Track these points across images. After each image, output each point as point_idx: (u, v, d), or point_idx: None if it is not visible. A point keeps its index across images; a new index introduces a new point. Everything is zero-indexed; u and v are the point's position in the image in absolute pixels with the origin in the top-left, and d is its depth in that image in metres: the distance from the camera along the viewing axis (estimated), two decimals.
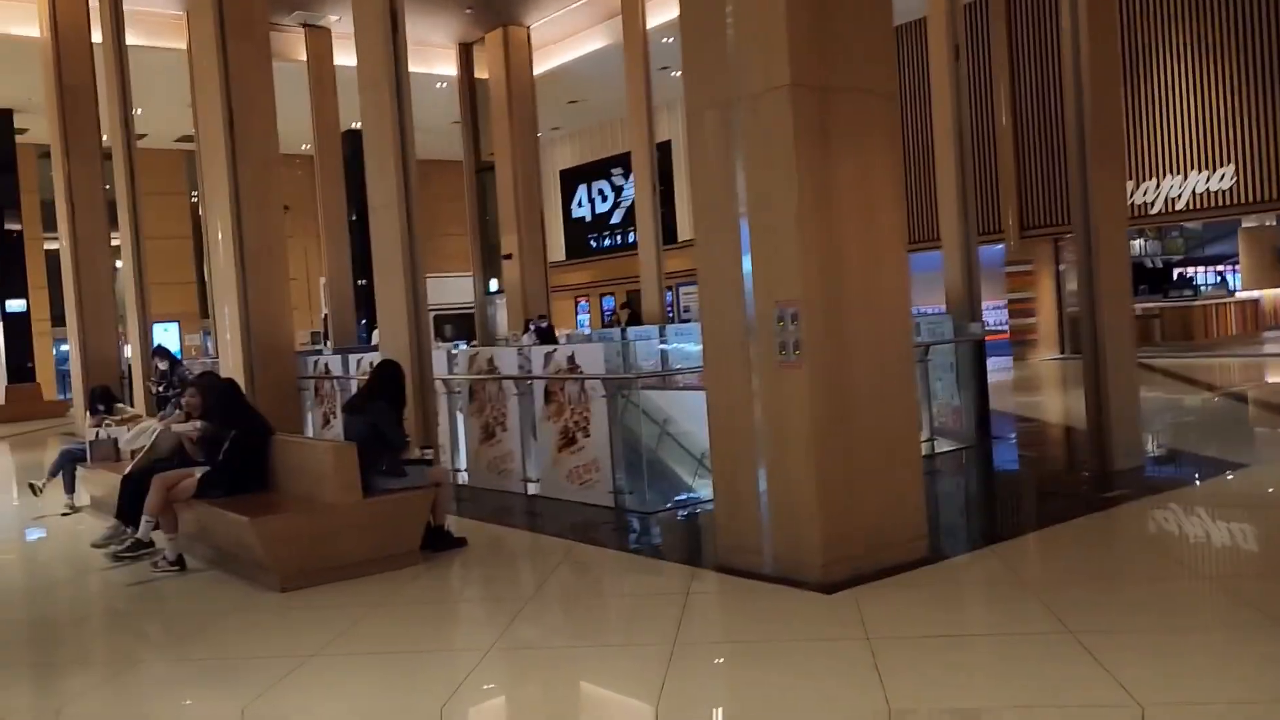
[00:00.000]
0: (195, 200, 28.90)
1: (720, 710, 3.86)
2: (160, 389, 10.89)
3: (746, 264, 5.27)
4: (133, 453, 8.69)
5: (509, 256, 20.08)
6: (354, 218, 20.03)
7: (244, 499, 6.38)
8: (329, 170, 19.50)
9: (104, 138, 17.02)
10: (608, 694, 4.17)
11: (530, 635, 4.83)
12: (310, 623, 5.24)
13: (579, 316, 27.56)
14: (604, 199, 27.37)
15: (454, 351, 9.53)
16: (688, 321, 18.48)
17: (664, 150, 22.56)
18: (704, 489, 7.95)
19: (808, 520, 5.07)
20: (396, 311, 8.42)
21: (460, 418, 9.09)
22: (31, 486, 9.34)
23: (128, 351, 18.03)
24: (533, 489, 8.28)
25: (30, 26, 17.89)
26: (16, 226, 24.52)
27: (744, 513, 5.40)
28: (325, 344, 19.97)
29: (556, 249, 27.54)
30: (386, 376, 6.62)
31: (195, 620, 5.58)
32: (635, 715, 3.88)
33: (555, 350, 7.96)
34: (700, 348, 5.77)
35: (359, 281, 20.34)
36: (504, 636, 4.73)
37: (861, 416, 5.21)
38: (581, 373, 7.64)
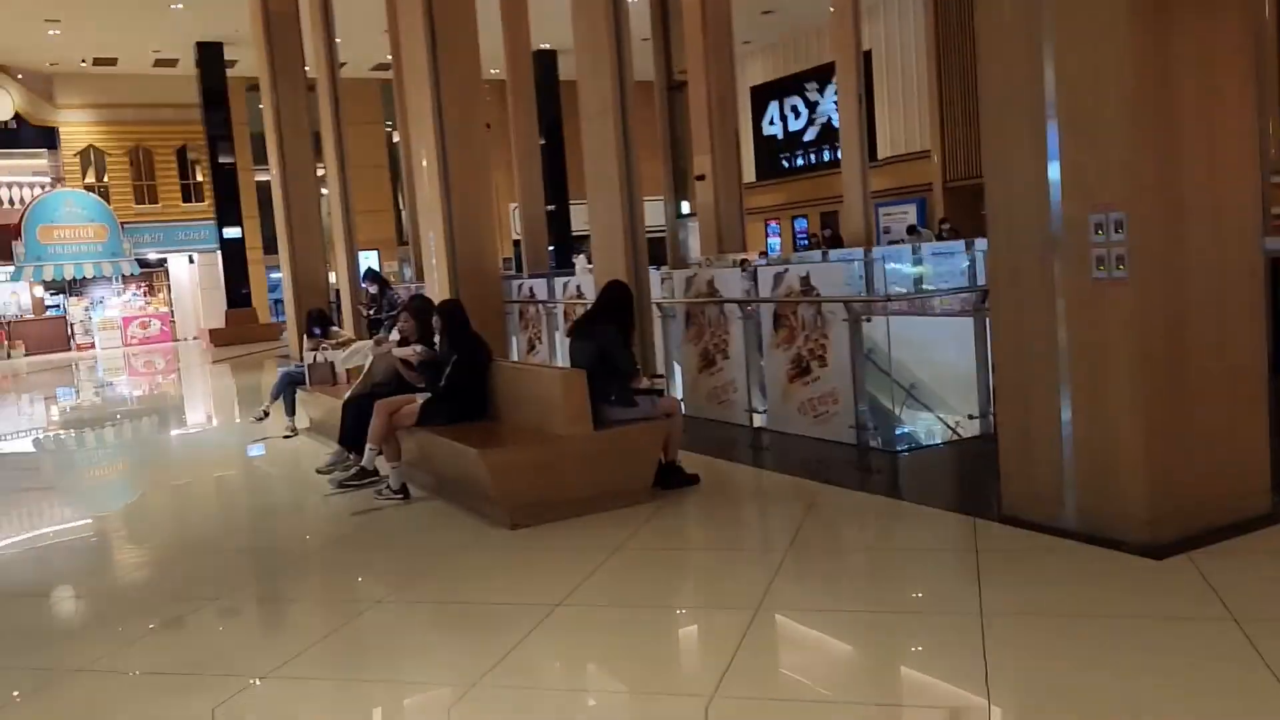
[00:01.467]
0: (390, 129, 29.49)
1: (1086, 710, 3.06)
2: (371, 312, 10.87)
3: (1053, 165, 4.38)
4: (348, 372, 8.64)
5: (702, 177, 19.33)
6: (544, 142, 19.74)
7: (467, 427, 6.06)
8: (520, 93, 19.18)
9: (308, 68, 17.28)
10: (918, 675, 3.52)
11: (799, 594, 4.23)
12: (547, 567, 4.83)
13: (769, 240, 26.59)
14: (797, 116, 26.10)
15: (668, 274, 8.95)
16: (897, 244, 17.32)
17: (864, 61, 21.12)
18: (912, 423, 7.20)
19: (1129, 468, 4.22)
20: (612, 230, 7.89)
21: (676, 344, 8.55)
22: (261, 413, 9.46)
23: (333, 277, 18.53)
24: (758, 420, 7.68)
25: None
26: (230, 159, 25.61)
27: (1040, 456, 4.59)
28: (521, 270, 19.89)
29: (746, 170, 26.58)
30: (615, 298, 6.09)
31: (425, 556, 5.29)
32: (972, 710, 3.21)
33: (787, 270, 7.24)
34: (915, 270, 4.91)
35: (548, 207, 20.15)
36: (770, 594, 4.15)
37: (1197, 345, 4.28)
38: (817, 295, 6.91)
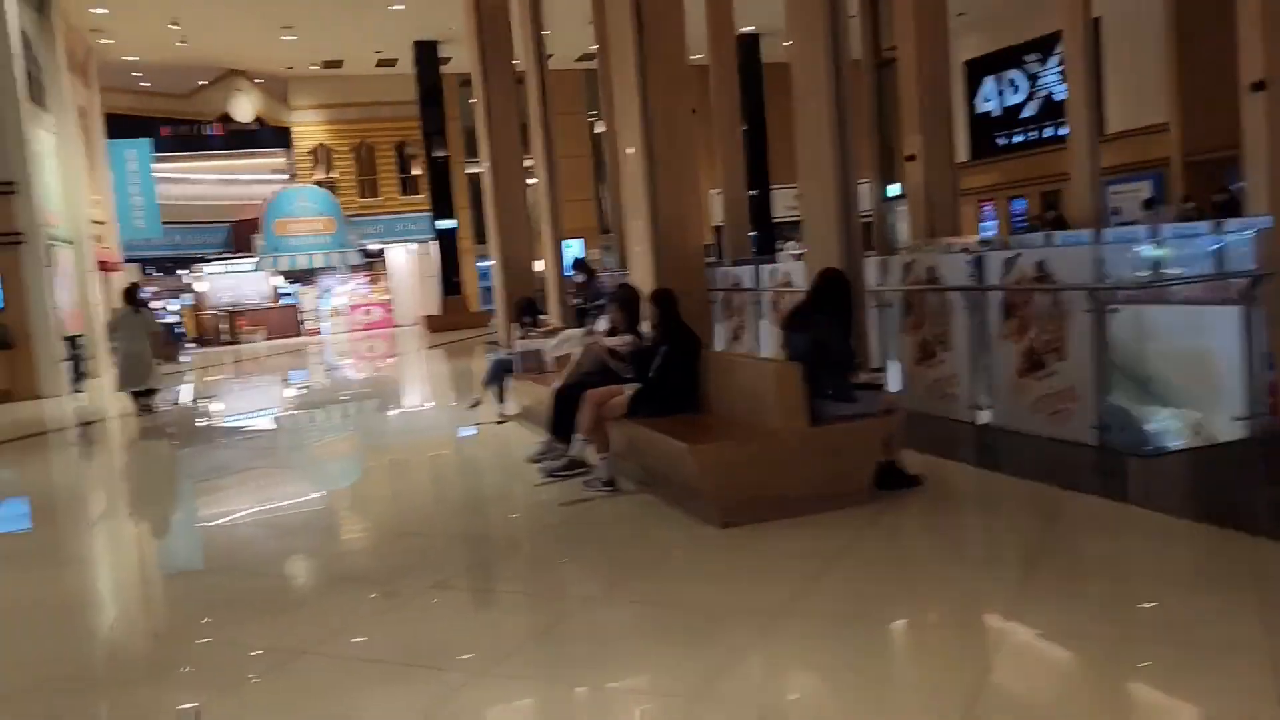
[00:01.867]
0: (593, 118, 29.94)
1: None
2: (578, 301, 10.94)
3: None
4: (556, 360, 8.69)
5: (912, 158, 18.51)
6: (745, 127, 19.40)
7: (676, 420, 5.90)
8: (723, 77, 18.96)
9: (516, 61, 17.68)
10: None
11: (1044, 613, 3.80)
12: (763, 570, 4.59)
13: (984, 223, 25.24)
14: (1015, 90, 24.60)
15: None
16: (1129, 224, 15.98)
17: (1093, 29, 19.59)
18: (1160, 423, 6.44)
19: None
20: (825, 215, 7.53)
21: (891, 335, 8.11)
22: (474, 401, 9.70)
23: (539, 266, 18.96)
24: (983, 417, 7.15)
25: None
26: (444, 153, 26.70)
27: None
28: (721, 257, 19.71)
29: (958, 149, 25.33)
30: (832, 286, 5.77)
31: (637, 553, 5.17)
32: None
33: (1018, 255, 6.68)
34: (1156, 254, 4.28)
35: (750, 192, 19.82)
36: (1011, 612, 3.76)
37: None
38: (1054, 282, 6.33)
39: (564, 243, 18.18)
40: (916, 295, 7.74)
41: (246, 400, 15.62)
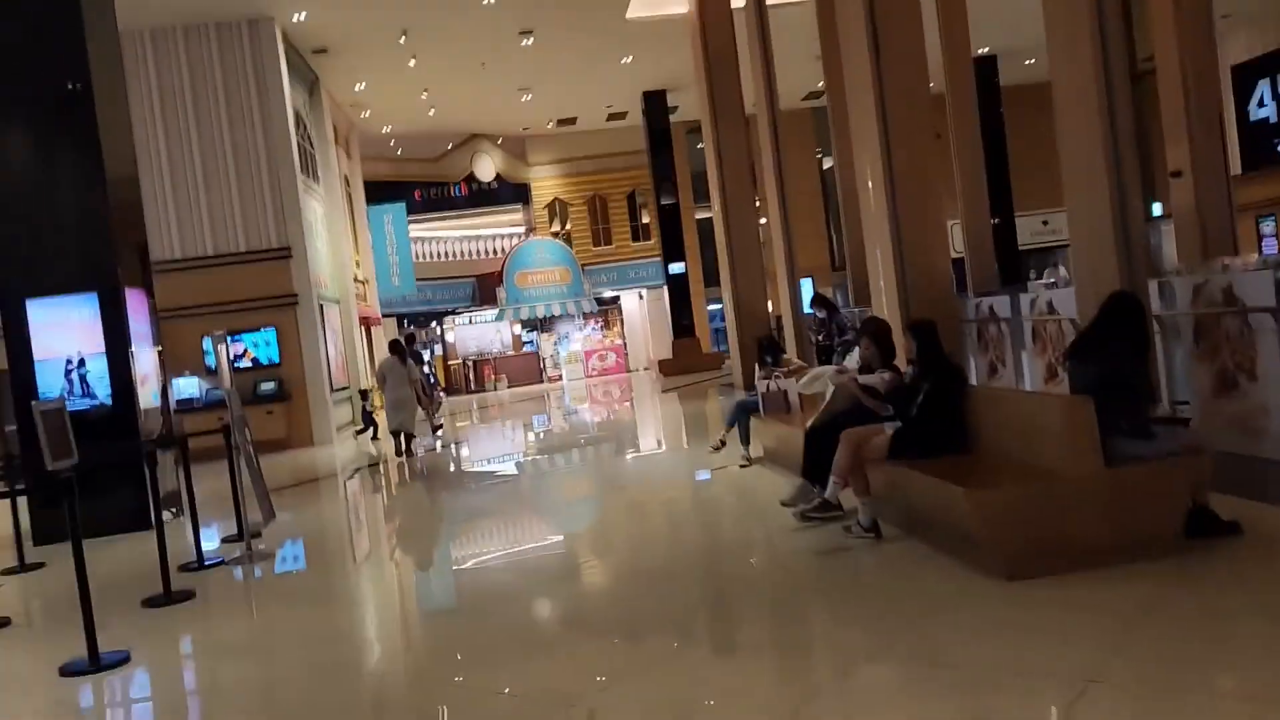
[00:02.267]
0: (820, 155, 29.56)
1: None
2: (820, 338, 10.60)
3: None
4: (801, 400, 8.38)
5: (1178, 174, 16.94)
6: (985, 153, 18.43)
7: (943, 461, 5.46)
8: (960, 102, 18.15)
9: (749, 103, 17.70)
10: None
11: None
12: (1061, 630, 4.08)
13: (1263, 240, 22.77)
14: None
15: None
16: None
17: None
18: None
19: None
20: (1098, 234, 6.89)
21: (1182, 364, 7.26)
22: (717, 443, 9.55)
23: (771, 305, 18.73)
24: None
25: (679, 5, 19.21)
26: (673, 199, 27.09)
27: None
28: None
29: (1231, 161, 23.02)
30: (1124, 310, 5.17)
31: (907, 606, 4.75)
32: None
33: None
34: None
35: (993, 220, 18.77)
36: None
37: None
38: None
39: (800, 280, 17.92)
40: (1210, 319, 6.90)
41: (493, 445, 16.25)
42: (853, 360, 7.43)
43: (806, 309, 13.29)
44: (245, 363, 16.80)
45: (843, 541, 5.80)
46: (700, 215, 28.53)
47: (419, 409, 13.66)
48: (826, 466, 6.04)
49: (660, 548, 7.05)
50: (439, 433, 15.86)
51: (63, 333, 9.36)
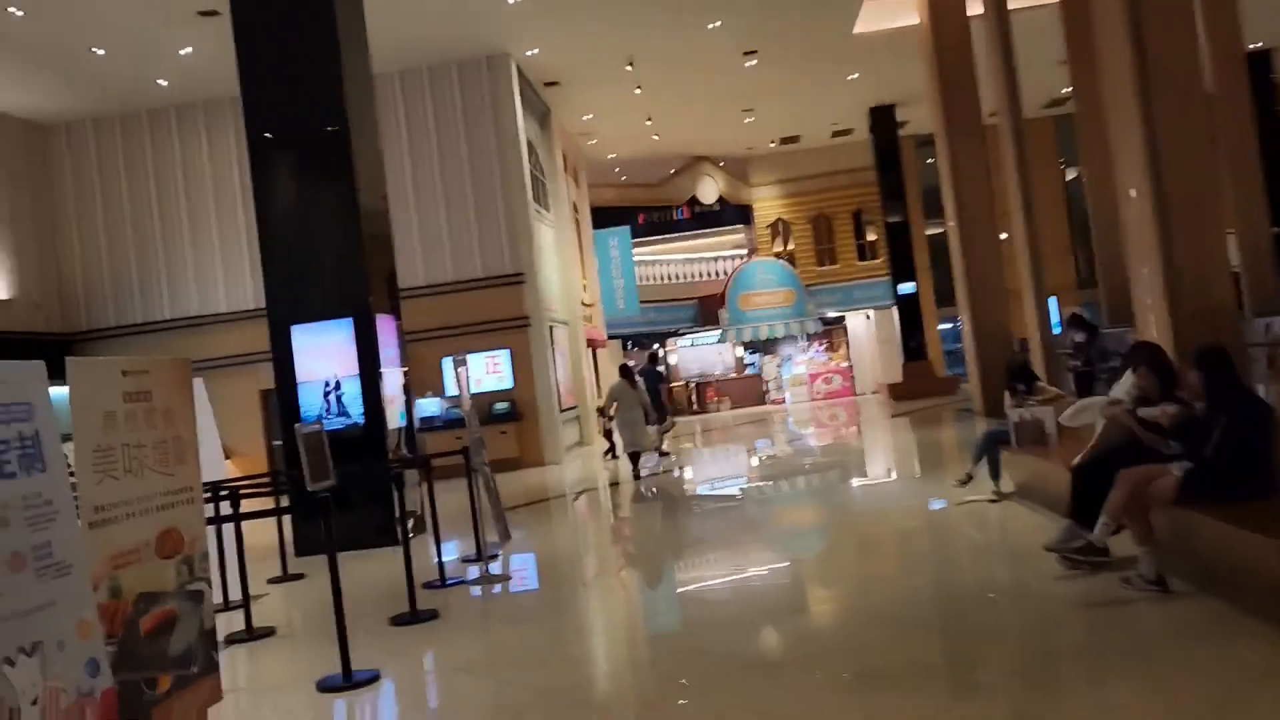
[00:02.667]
0: (1063, 166, 27.76)
1: None
2: (1078, 363, 9.74)
3: None
4: (1059, 429, 7.68)
5: None
6: (1261, 157, 16.63)
7: (1245, 507, 4.76)
8: (1233, 102, 16.46)
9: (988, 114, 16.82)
10: None
11: None
12: None
13: None
14: None
15: None
16: None
17: None
18: None
19: None
20: None
21: None
22: (964, 477, 8.93)
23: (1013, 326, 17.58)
24: None
25: (908, 17, 18.53)
26: (901, 216, 26.17)
27: None
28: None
29: None
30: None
31: (1207, 676, 4.11)
32: None
33: None
34: None
35: (1275, 230, 16.88)
36: None
37: None
38: None
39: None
40: None
41: (717, 468, 16.09)
42: (1119, 388, 6.71)
43: (1056, 329, 12.31)
44: (482, 385, 17.48)
45: (1119, 594, 5.17)
46: (931, 232, 27.44)
47: (665, 425, 14.09)
48: (1096, 507, 5.44)
49: (895, 586, 6.59)
50: (666, 456, 15.93)
51: (321, 356, 9.98)
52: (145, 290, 18.12)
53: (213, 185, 18.07)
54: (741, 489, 13.04)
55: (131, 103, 17.59)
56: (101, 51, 15.17)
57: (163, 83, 16.71)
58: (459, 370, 8.39)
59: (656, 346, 18.96)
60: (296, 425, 5.55)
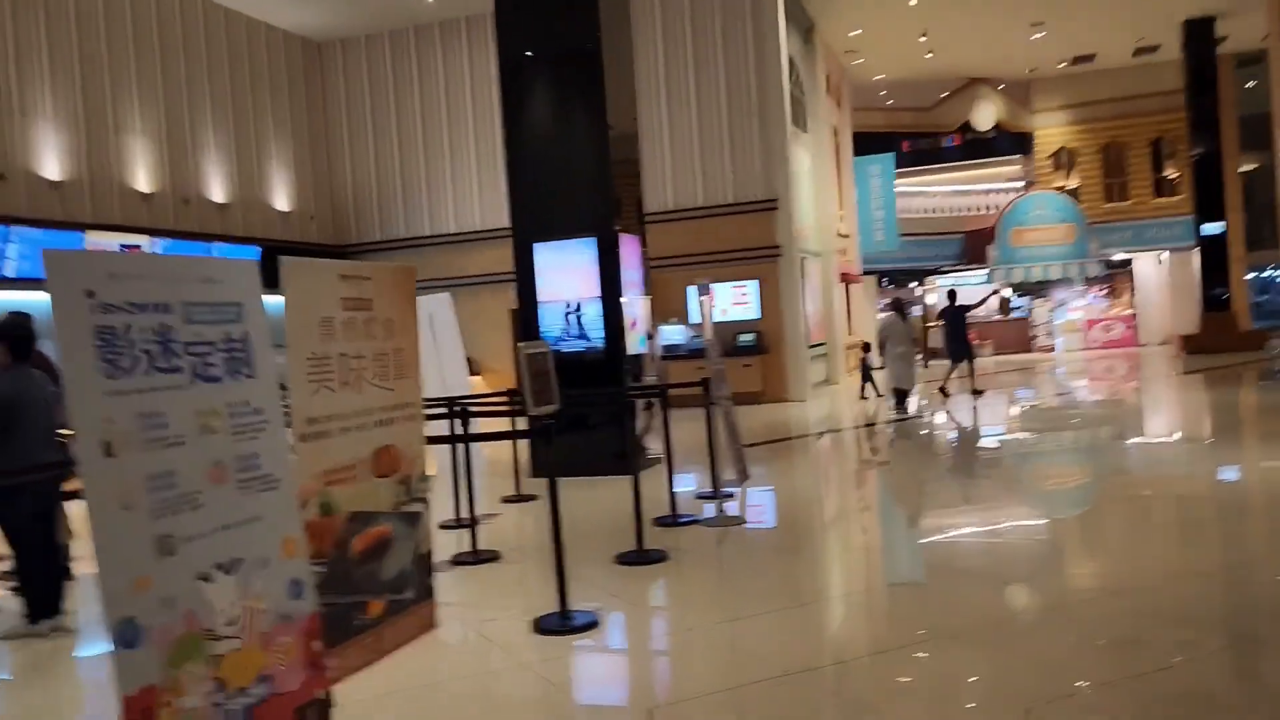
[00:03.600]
0: None
1: None
2: None
3: None
4: None
5: None
6: None
7: None
8: None
9: None
10: None
11: None
12: None
13: None
14: None
15: None
16: None
17: None
18: None
19: None
20: None
21: None
22: None
23: None
24: None
25: None
26: (1212, 148, 22.99)
27: None
28: None
29: None
30: None
31: None
32: None
33: None
34: None
35: None
36: None
37: None
38: None
39: None
40: None
41: (971, 414, 14.82)
42: None
43: None
44: (728, 316, 16.95)
45: None
46: (1248, 167, 24.05)
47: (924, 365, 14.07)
48: None
49: (1172, 561, 5.55)
50: (966, 395, 15.47)
51: (564, 276, 9.72)
52: (409, 206, 18.82)
53: (472, 104, 18.38)
54: (999, 440, 11.83)
55: (399, 19, 18.11)
56: None
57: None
58: (702, 299, 7.83)
59: (953, 287, 18.70)
60: (520, 344, 5.17)
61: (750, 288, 16.91)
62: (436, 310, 10.94)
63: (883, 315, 14.51)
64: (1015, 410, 14.92)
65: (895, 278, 28.65)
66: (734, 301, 16.93)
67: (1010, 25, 21.40)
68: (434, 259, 17.87)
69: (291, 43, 18.29)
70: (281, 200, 17.69)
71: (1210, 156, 22.82)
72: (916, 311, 27.01)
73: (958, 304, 15.92)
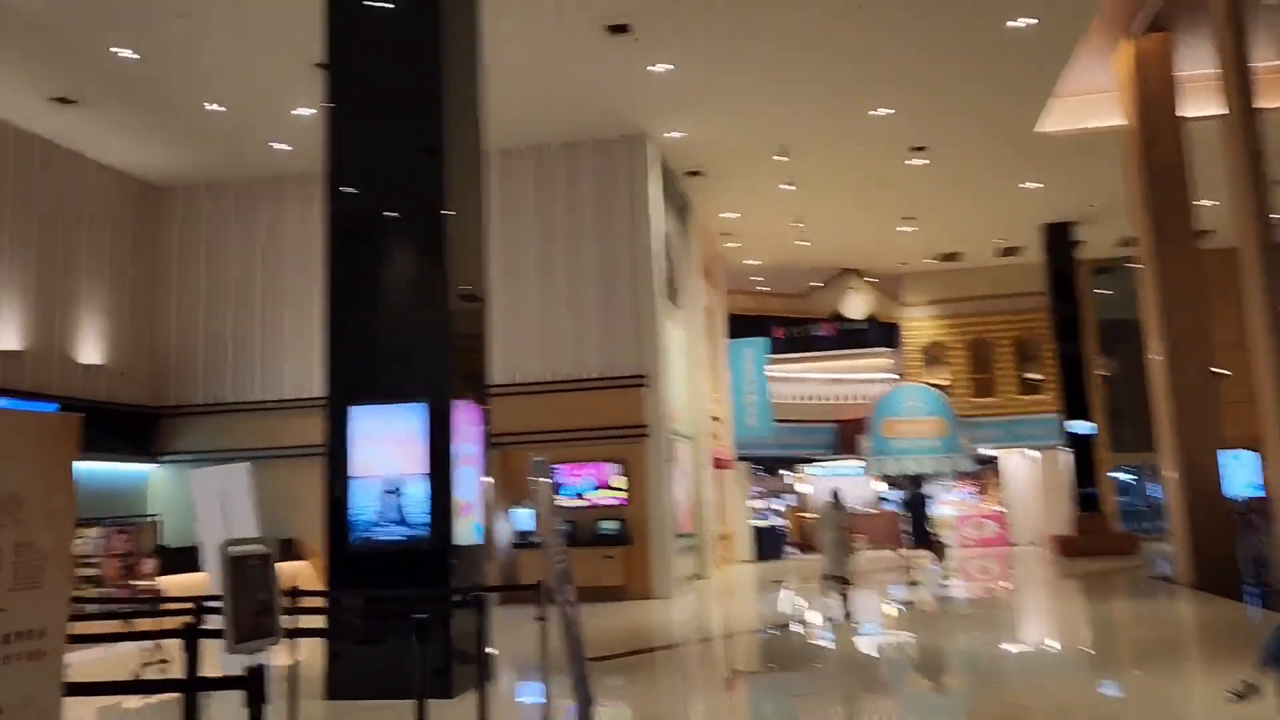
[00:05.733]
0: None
1: None
2: None
3: None
4: None
5: None
6: None
7: None
8: None
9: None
10: None
11: None
12: None
13: None
14: None
15: None
16: None
17: None
18: None
19: None
20: None
21: None
22: (1242, 689, 6.20)
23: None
24: None
25: (1105, 117, 16.24)
26: (1074, 349, 23.25)
27: None
28: None
29: None
30: None
31: None
32: None
33: None
34: None
35: None
36: None
37: None
38: None
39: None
40: None
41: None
42: None
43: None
44: (590, 500, 15.37)
45: None
46: (1105, 372, 24.47)
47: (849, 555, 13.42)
48: None
49: None
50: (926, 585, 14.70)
51: (384, 448, 8.05)
52: (239, 367, 16.89)
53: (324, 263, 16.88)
54: (878, 645, 10.40)
55: (252, 167, 16.71)
56: (219, 108, 14.26)
57: (284, 146, 15.71)
58: (539, 480, 6.19)
59: (920, 483, 18.55)
60: (226, 543, 3.47)
61: (616, 470, 15.44)
62: (228, 485, 9.02)
63: (822, 502, 14.43)
64: (890, 612, 13.55)
65: (768, 465, 27.70)
66: (598, 484, 15.41)
67: (883, 217, 21.52)
68: (266, 426, 15.89)
69: (126, 184, 16.62)
70: (89, 352, 15.54)
71: (1074, 357, 23.04)
72: (851, 500, 25.81)
73: (920, 490, 16.25)
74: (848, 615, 12.42)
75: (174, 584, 9.65)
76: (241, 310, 17.02)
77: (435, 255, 8.49)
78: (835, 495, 13.98)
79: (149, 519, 9.86)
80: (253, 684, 2.88)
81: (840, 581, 13.01)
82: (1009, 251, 24.50)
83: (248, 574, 3.35)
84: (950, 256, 25.12)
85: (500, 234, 16.00)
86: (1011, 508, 25.42)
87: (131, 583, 10.39)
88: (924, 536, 15.62)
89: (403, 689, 7.30)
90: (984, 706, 7.76)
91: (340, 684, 7.73)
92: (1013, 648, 11.04)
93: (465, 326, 8.79)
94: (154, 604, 6.91)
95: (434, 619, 7.77)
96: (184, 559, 10.97)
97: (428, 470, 8.00)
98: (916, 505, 15.67)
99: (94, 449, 15.07)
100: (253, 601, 3.35)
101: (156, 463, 16.34)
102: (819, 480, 27.81)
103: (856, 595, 13.57)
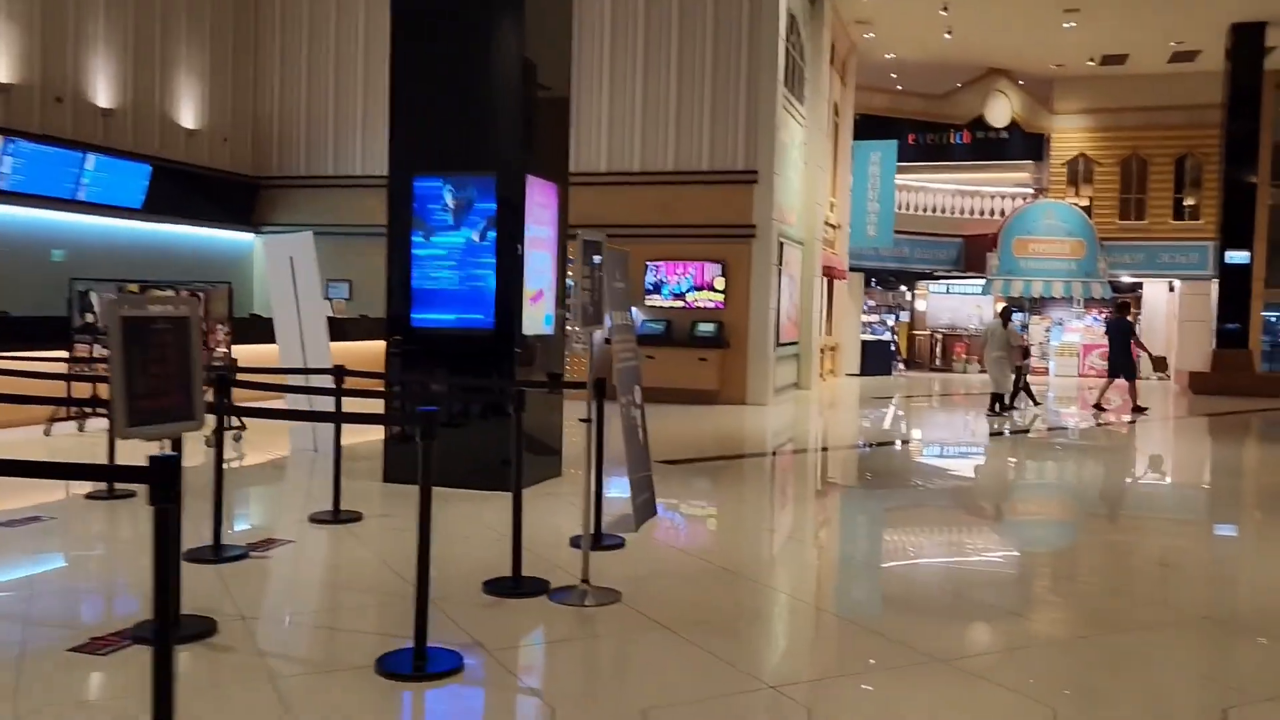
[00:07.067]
0: None
1: None
2: None
3: None
4: None
5: None
6: None
7: None
8: None
9: None
10: None
11: None
12: None
13: None
14: None
15: None
16: None
17: None
18: None
19: None
20: None
21: None
22: None
23: None
24: None
25: None
26: (1245, 170, 20.85)
27: None
28: None
29: None
30: None
31: None
32: None
33: None
34: None
35: None
36: None
37: None
38: None
39: None
40: None
41: (937, 433, 12.73)
42: None
43: None
44: (686, 299, 14.75)
45: None
46: (1275, 203, 22.03)
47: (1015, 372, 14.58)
48: None
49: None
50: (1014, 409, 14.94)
51: (450, 223, 7.45)
52: (342, 141, 16.46)
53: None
54: (975, 466, 9.71)
55: None
56: None
57: None
58: (591, 258, 5.38)
59: (1127, 300, 17.65)
60: (115, 299, 2.79)
61: (716, 270, 14.69)
62: (297, 252, 8.67)
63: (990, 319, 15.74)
64: (985, 434, 12.76)
65: (883, 278, 26.46)
66: (696, 284, 14.73)
67: (1041, 10, 19.17)
68: (368, 203, 15.57)
69: None
70: (187, 115, 15.28)
71: (1242, 181, 20.68)
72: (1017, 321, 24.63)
73: (1125, 318, 15.70)
74: (1001, 424, 13.54)
75: (246, 354, 9.51)
76: (343, 82, 16.41)
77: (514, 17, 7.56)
78: (1004, 314, 14.79)
79: (221, 285, 9.62)
80: (156, 475, 2.36)
81: (997, 398, 14.27)
82: (1183, 56, 21.74)
83: (148, 340, 2.77)
84: (1114, 59, 22.48)
85: (607, 9, 14.79)
86: (1147, 337, 23.72)
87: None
88: (1125, 366, 15.14)
89: (461, 478, 7.04)
90: (1083, 541, 7.06)
91: (398, 468, 7.51)
92: (1127, 479, 10.23)
93: (551, 107, 7.97)
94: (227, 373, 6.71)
95: (493, 409, 7.39)
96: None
97: (493, 252, 7.39)
98: (1120, 334, 15.25)
99: (196, 215, 15.07)
100: (156, 376, 2.78)
101: (258, 233, 16.30)
102: (933, 299, 26.55)
103: (1010, 414, 14.45)
